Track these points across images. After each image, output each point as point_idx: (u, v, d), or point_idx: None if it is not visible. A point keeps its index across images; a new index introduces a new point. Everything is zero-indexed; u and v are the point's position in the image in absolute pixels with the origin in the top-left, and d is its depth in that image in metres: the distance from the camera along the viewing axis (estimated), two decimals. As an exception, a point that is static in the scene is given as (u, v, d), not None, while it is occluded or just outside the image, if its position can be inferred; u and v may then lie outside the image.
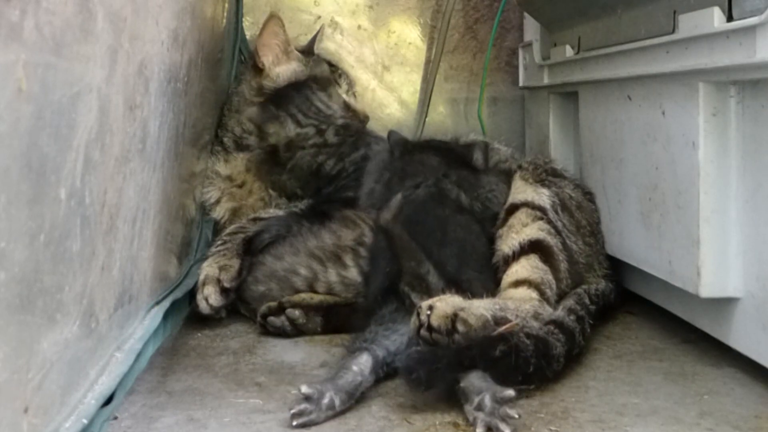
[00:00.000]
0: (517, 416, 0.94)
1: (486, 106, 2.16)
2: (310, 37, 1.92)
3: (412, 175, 1.45)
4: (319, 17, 2.12)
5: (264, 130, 1.68)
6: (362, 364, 1.06)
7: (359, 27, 2.14)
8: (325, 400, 0.99)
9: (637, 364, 1.22)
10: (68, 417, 0.81)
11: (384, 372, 1.10)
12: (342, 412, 1.01)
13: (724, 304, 1.15)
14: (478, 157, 1.50)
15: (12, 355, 0.67)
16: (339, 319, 1.37)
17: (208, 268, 1.43)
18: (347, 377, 1.03)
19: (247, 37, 2.04)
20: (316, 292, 1.40)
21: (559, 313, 1.22)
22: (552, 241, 1.32)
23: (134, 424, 0.99)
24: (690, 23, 1.13)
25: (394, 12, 2.15)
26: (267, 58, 1.70)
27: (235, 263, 1.44)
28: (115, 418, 1.00)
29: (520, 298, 1.23)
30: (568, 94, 1.75)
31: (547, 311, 1.23)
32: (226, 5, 1.76)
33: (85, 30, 0.80)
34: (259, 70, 1.70)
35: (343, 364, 1.07)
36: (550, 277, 1.29)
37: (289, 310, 1.36)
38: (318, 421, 0.99)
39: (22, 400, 0.69)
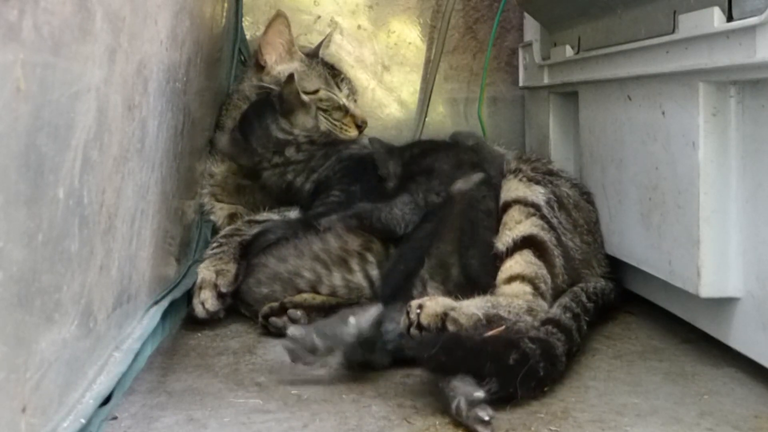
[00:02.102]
0: (487, 418, 0.94)
1: (486, 106, 2.16)
2: (309, 36, 1.93)
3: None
4: (319, 17, 2.12)
5: (235, 160, 1.67)
6: (368, 314, 1.08)
7: (359, 27, 2.14)
8: (309, 342, 1.04)
9: (637, 364, 1.22)
10: (66, 416, 0.81)
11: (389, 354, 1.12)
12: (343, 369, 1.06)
13: (724, 304, 1.15)
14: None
15: (10, 355, 0.67)
16: None
17: (205, 272, 1.43)
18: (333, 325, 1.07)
19: (247, 36, 2.04)
20: (318, 293, 1.40)
21: (555, 311, 1.22)
22: (546, 236, 1.32)
23: (134, 424, 0.99)
24: (690, 23, 1.13)
25: (394, 12, 2.15)
26: (270, 56, 1.70)
27: (232, 268, 1.44)
28: (115, 418, 1.00)
29: (512, 294, 1.23)
30: (568, 94, 1.74)
31: (542, 305, 1.22)
32: (226, 5, 1.76)
33: (83, 30, 0.79)
34: (260, 67, 1.70)
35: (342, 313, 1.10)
36: (544, 271, 1.28)
37: (291, 311, 1.35)
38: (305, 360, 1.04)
39: (20, 400, 0.69)
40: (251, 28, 2.06)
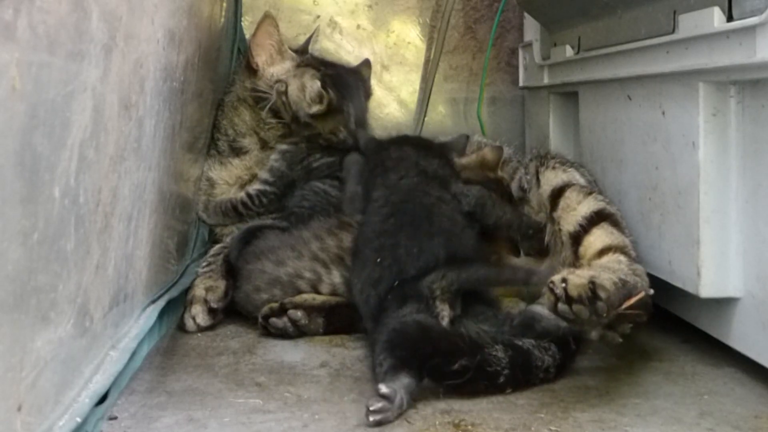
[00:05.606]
0: None
1: (486, 106, 2.16)
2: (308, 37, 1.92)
3: (393, 170, 1.44)
4: (319, 17, 2.11)
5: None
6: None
7: (358, 27, 2.14)
8: (398, 400, 1.00)
9: (637, 364, 1.21)
10: (62, 415, 0.80)
11: None
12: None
13: (724, 304, 1.14)
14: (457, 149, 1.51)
15: (5, 354, 0.66)
16: (341, 319, 1.36)
17: (195, 289, 1.44)
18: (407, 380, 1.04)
19: (246, 36, 2.03)
20: (318, 293, 1.39)
21: None
22: (612, 209, 1.31)
23: (134, 424, 0.99)
24: (690, 23, 1.12)
25: (394, 12, 2.15)
26: (261, 58, 1.69)
27: (221, 284, 1.44)
28: (115, 418, 1.00)
29: (614, 262, 1.21)
30: (568, 94, 1.74)
31: (639, 267, 1.21)
32: (224, 4, 1.75)
33: (79, 29, 0.79)
34: (252, 70, 1.69)
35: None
36: (627, 240, 1.27)
37: (291, 311, 1.35)
38: (391, 420, 0.98)
39: (15, 399, 0.68)
40: (251, 27, 2.05)
